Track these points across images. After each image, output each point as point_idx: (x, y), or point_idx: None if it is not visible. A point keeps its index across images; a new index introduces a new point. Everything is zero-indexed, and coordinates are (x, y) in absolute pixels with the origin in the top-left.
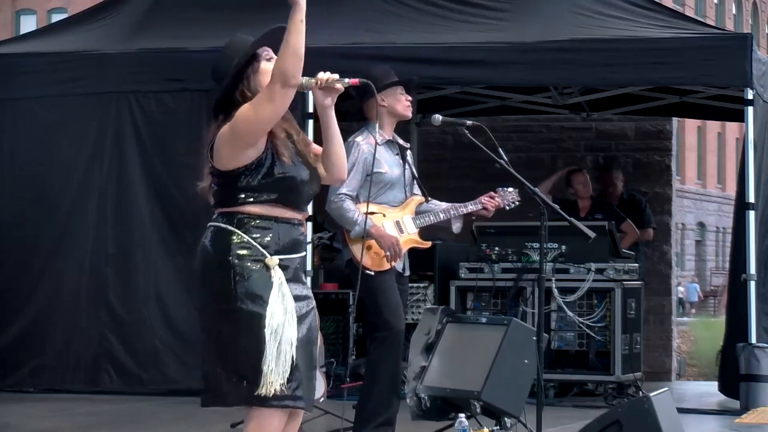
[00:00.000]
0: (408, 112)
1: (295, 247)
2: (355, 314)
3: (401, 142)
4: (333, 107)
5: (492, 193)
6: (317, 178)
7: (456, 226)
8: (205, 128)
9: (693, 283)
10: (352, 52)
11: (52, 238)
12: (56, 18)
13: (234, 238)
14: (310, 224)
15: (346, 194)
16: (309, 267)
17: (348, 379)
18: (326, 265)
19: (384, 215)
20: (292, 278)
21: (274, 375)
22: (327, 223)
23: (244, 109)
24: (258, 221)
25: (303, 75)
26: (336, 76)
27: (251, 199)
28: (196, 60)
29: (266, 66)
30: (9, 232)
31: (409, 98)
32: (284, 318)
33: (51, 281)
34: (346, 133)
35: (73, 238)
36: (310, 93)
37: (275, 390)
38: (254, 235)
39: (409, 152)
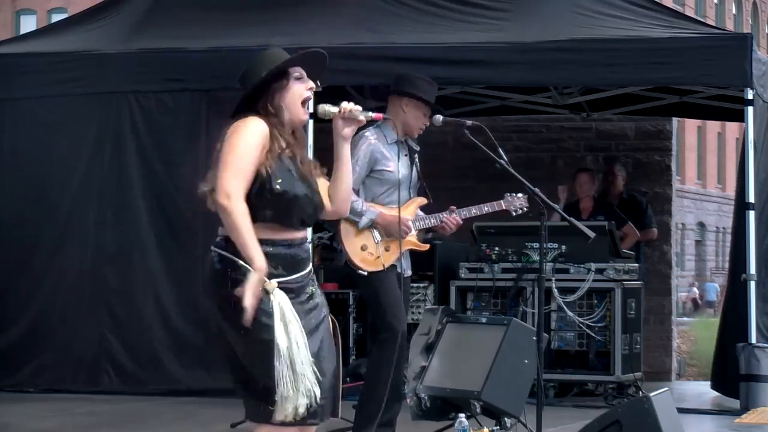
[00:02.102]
0: (415, 133)
1: (297, 266)
2: (355, 314)
3: (412, 144)
4: (349, 140)
5: (453, 207)
6: (317, 204)
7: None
8: (205, 129)
9: (712, 283)
10: (352, 52)
11: (52, 238)
12: (56, 18)
13: (234, 264)
14: None
15: None
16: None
17: (348, 379)
18: (326, 265)
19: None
20: (298, 295)
21: (289, 402)
22: (327, 223)
23: (235, 143)
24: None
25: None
26: (359, 108)
27: (250, 217)
28: (196, 60)
29: (297, 87)
30: (9, 232)
31: (428, 123)
32: (290, 344)
33: (51, 281)
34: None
35: (73, 238)
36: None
37: (299, 413)
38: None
39: (416, 154)
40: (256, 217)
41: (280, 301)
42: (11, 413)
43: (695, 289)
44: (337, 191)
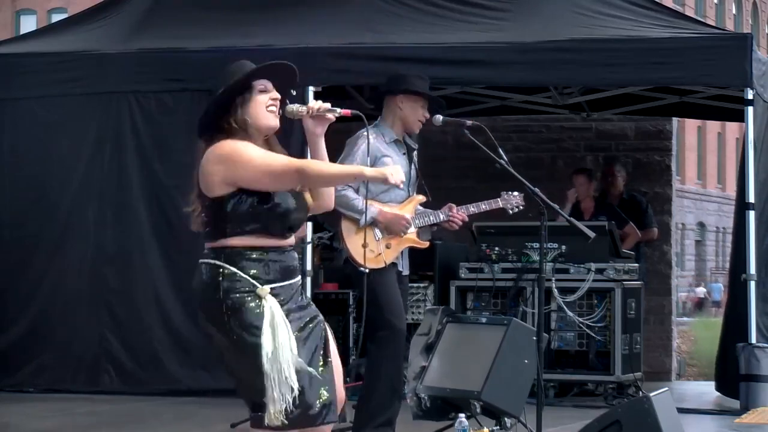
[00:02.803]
0: (415, 128)
1: (288, 274)
2: (355, 314)
3: (410, 142)
4: (323, 136)
5: (451, 205)
6: (304, 207)
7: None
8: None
9: (717, 283)
10: (352, 52)
11: (53, 238)
12: (56, 18)
13: (224, 272)
14: (310, 224)
15: (347, 185)
16: (309, 267)
17: (348, 379)
18: (326, 265)
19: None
20: (288, 303)
21: (277, 405)
22: (327, 223)
23: (249, 158)
24: (248, 253)
25: (300, 80)
26: (327, 105)
27: (237, 230)
28: (196, 60)
29: (259, 98)
30: (9, 232)
31: (427, 115)
32: (276, 347)
33: (51, 281)
34: (345, 134)
35: (73, 238)
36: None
37: (282, 420)
38: (244, 267)
39: (414, 152)
40: (245, 230)
41: (271, 305)
42: (11, 413)
43: (702, 289)
44: (321, 189)
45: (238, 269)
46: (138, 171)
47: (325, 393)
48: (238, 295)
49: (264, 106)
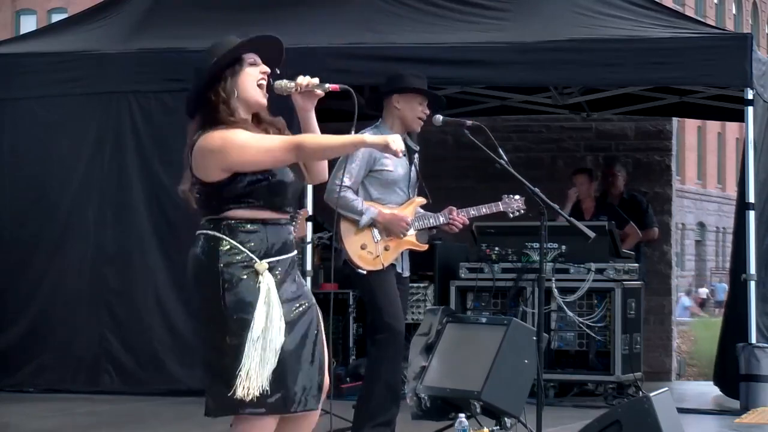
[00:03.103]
0: (416, 125)
1: (285, 247)
2: (355, 314)
3: (411, 144)
4: (313, 111)
5: (452, 208)
6: (302, 176)
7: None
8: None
9: (721, 283)
10: (352, 52)
11: (53, 238)
12: (56, 18)
13: (223, 244)
14: (310, 224)
15: (346, 186)
16: (309, 267)
17: (348, 379)
18: (326, 265)
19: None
20: (284, 279)
21: (252, 381)
22: (327, 223)
23: (243, 144)
24: (247, 225)
25: (296, 73)
26: (316, 80)
27: (236, 205)
28: (196, 60)
29: (249, 70)
30: (9, 232)
31: (426, 112)
32: (267, 325)
33: (51, 281)
34: (345, 134)
35: (73, 238)
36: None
37: (253, 396)
38: (243, 240)
39: (416, 155)
40: (244, 204)
41: (268, 282)
42: (11, 413)
43: (704, 290)
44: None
45: (237, 242)
46: (138, 171)
47: (306, 380)
48: (236, 269)
49: (254, 80)
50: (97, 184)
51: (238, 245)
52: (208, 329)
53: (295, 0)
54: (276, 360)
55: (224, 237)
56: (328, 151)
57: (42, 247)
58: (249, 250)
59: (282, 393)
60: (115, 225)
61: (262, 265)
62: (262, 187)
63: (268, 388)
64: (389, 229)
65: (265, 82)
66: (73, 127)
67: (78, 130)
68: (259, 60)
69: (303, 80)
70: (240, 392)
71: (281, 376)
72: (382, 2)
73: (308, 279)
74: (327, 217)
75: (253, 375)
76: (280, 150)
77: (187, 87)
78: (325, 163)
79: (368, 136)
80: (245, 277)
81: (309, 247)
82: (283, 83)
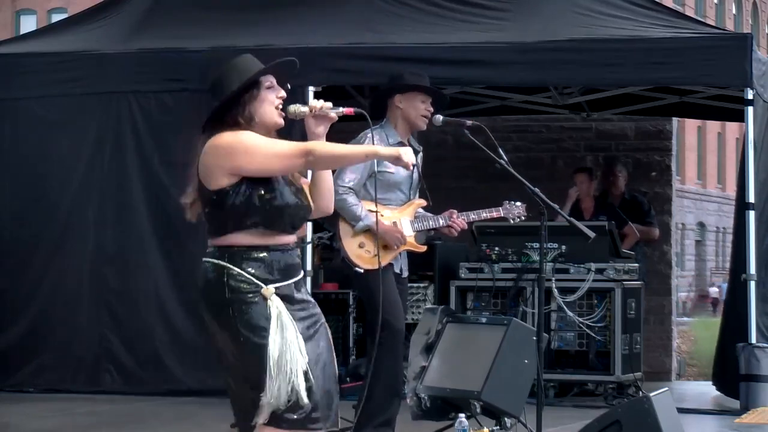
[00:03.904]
0: (420, 123)
1: (290, 272)
2: (355, 314)
3: (415, 145)
4: (324, 135)
5: (453, 211)
6: (306, 206)
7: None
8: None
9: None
10: (352, 52)
11: (53, 237)
12: (56, 18)
13: (229, 272)
14: (310, 224)
15: (349, 188)
16: (309, 267)
17: (348, 379)
18: (326, 265)
19: (382, 215)
20: (291, 300)
21: (281, 402)
22: (327, 223)
23: (252, 146)
24: (251, 253)
25: (300, 80)
26: (329, 104)
27: (239, 224)
28: (196, 60)
29: (267, 95)
30: (9, 232)
31: (430, 109)
32: (284, 348)
33: (51, 281)
34: (347, 134)
35: (73, 238)
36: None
37: (296, 417)
38: (247, 268)
39: (420, 156)
40: (246, 225)
41: (277, 305)
42: (11, 413)
43: (715, 289)
44: (319, 189)
45: (242, 270)
46: (138, 171)
47: (328, 397)
48: (244, 295)
49: (272, 105)
50: (97, 184)
51: (243, 272)
52: (232, 356)
53: (295, 0)
54: (297, 383)
55: (228, 265)
56: (340, 159)
57: (42, 247)
58: (254, 278)
59: (306, 411)
60: (115, 225)
61: (268, 290)
62: (265, 205)
63: (309, 406)
64: (384, 239)
65: (282, 106)
66: (73, 127)
67: (78, 130)
68: (275, 82)
69: (317, 104)
70: (260, 420)
71: (307, 394)
72: (382, 2)
73: (308, 279)
74: (327, 217)
75: (279, 398)
76: (290, 155)
77: (187, 87)
78: (331, 197)
79: (381, 148)
80: (255, 302)
81: (309, 247)
82: (297, 108)
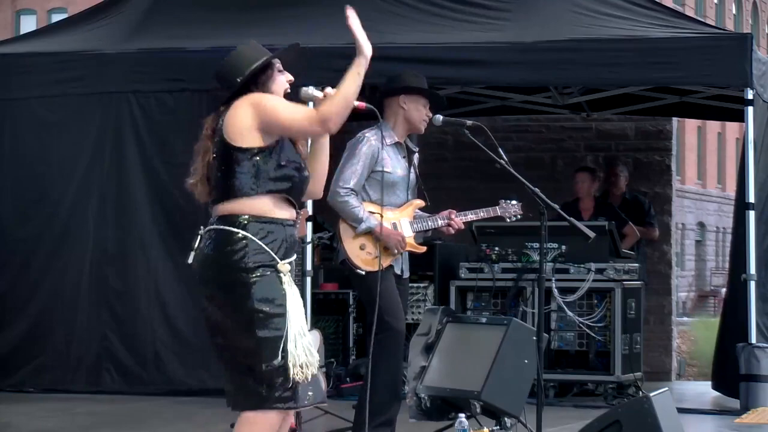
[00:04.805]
0: (421, 126)
1: (294, 248)
2: (355, 314)
3: (410, 145)
4: None
5: (452, 211)
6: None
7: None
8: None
9: None
10: (352, 52)
11: (53, 237)
12: (56, 18)
13: (249, 243)
14: (310, 224)
15: (350, 189)
16: (309, 267)
17: (348, 379)
18: (326, 265)
19: (381, 216)
20: (292, 278)
21: (301, 372)
22: (327, 223)
23: (282, 102)
24: (265, 225)
25: (297, 80)
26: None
27: (260, 188)
28: (196, 60)
29: (280, 78)
30: (10, 231)
31: (430, 114)
32: (300, 317)
33: (52, 281)
34: (347, 133)
35: (73, 238)
36: None
37: (289, 392)
38: (263, 239)
39: (416, 156)
40: (267, 188)
41: (291, 281)
42: (11, 413)
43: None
44: (315, 172)
45: (259, 239)
46: (138, 171)
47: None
48: (260, 267)
49: (283, 87)
50: (98, 183)
51: (263, 245)
52: (234, 326)
53: (295, 0)
54: (310, 357)
55: (248, 235)
56: (348, 97)
57: (42, 247)
58: (271, 250)
59: (311, 387)
60: (116, 225)
61: (284, 266)
62: (288, 174)
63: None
64: (385, 243)
65: (289, 91)
66: (73, 127)
67: (78, 130)
68: (281, 66)
69: (331, 91)
70: (300, 379)
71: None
72: (382, 2)
73: (308, 279)
74: (327, 217)
75: (302, 369)
76: (309, 117)
77: (187, 87)
78: (323, 179)
79: (366, 49)
80: (267, 275)
81: (309, 247)
82: (311, 90)
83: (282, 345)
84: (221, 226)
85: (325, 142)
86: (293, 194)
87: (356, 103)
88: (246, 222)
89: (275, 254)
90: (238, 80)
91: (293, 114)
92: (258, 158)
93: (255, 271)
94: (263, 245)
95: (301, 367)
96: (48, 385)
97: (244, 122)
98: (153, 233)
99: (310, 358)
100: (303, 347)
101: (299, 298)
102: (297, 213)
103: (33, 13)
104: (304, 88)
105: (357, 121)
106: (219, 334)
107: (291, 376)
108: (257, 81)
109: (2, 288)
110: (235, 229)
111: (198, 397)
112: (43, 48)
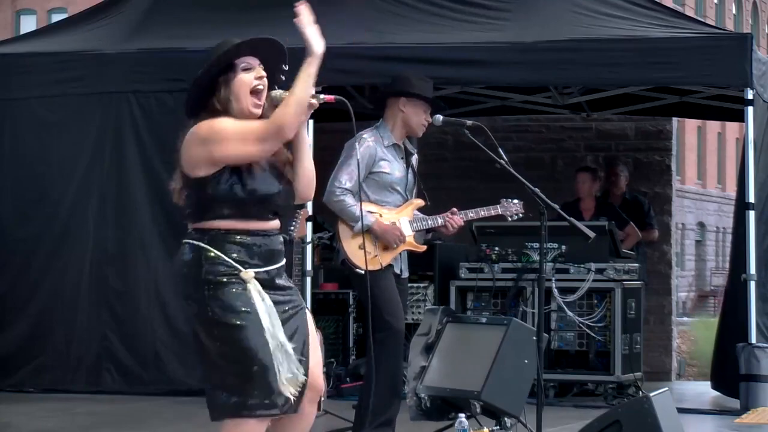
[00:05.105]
0: (419, 131)
1: (272, 258)
2: (355, 314)
3: (408, 147)
4: (306, 123)
5: (454, 210)
6: (290, 192)
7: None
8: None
9: None
10: (352, 52)
11: (53, 237)
12: (56, 18)
13: (207, 254)
14: (310, 224)
15: (346, 189)
16: (309, 267)
17: (348, 379)
18: (326, 265)
19: (380, 215)
20: (271, 285)
21: (287, 382)
22: (327, 223)
23: (229, 134)
24: (231, 236)
25: (293, 75)
26: (311, 91)
27: (218, 212)
28: (196, 60)
29: (243, 77)
30: (10, 232)
31: (429, 119)
32: (272, 324)
33: (52, 281)
34: (345, 133)
35: (73, 238)
36: None
37: (264, 399)
38: (227, 251)
39: (414, 157)
40: (225, 214)
41: (258, 289)
42: (12, 413)
43: None
44: (299, 173)
45: (221, 252)
46: (138, 171)
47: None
48: (219, 277)
49: (247, 87)
50: (98, 183)
51: (222, 255)
52: (201, 338)
53: (295, 0)
54: (287, 359)
55: (207, 247)
56: (301, 100)
57: (42, 247)
58: (234, 261)
59: (266, 395)
60: (116, 225)
61: (247, 273)
62: (244, 196)
63: (282, 390)
64: (384, 238)
65: (262, 87)
66: (73, 127)
67: (78, 130)
68: (255, 63)
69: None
70: (280, 399)
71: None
72: (382, 2)
73: (308, 279)
74: (327, 217)
75: (289, 378)
76: (264, 136)
77: (187, 87)
78: (311, 178)
79: (317, 47)
80: (231, 283)
81: (309, 247)
82: (278, 93)
83: (250, 355)
84: (188, 240)
85: (303, 144)
86: (252, 213)
87: (325, 97)
88: (210, 235)
89: (240, 264)
90: (194, 91)
91: (244, 144)
92: (213, 185)
93: (213, 282)
94: (224, 256)
95: (285, 378)
96: (48, 385)
97: (194, 158)
98: (153, 233)
99: (292, 369)
100: (281, 357)
101: (270, 302)
102: (281, 220)
103: (33, 13)
104: (273, 92)
105: (357, 121)
106: (193, 342)
107: (280, 383)
108: (215, 85)
109: (2, 288)
110: (197, 242)
111: (198, 397)
112: (43, 48)
